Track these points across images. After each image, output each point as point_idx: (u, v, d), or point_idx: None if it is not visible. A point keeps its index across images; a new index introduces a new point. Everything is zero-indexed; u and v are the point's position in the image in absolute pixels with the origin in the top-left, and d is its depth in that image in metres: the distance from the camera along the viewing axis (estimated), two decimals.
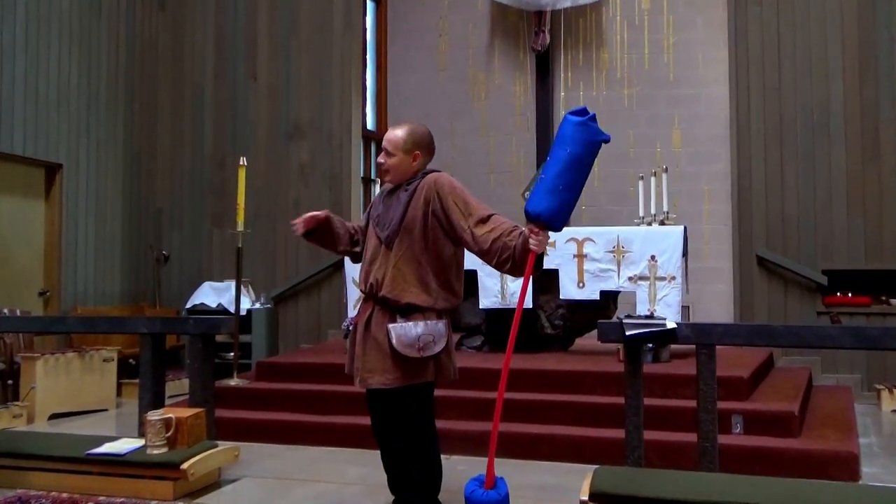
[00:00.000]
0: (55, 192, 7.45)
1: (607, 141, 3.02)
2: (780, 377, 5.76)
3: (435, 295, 3.19)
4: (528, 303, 5.68)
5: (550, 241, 5.69)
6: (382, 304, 3.21)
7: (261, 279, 8.16)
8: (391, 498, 3.42)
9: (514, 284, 5.65)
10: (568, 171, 2.96)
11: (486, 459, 3.11)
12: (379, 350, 3.17)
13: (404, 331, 3.12)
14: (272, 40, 8.40)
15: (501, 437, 4.08)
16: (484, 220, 3.09)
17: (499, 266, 3.07)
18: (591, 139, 2.98)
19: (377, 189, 6.90)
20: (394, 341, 3.11)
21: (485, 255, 3.09)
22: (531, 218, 2.99)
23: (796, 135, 7.04)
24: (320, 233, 3.42)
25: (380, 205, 3.37)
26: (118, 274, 8.18)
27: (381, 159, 3.35)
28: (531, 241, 2.95)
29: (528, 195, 3.08)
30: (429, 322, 3.16)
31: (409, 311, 3.16)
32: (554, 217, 2.97)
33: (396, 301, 3.16)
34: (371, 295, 3.26)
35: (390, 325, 3.14)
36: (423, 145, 3.33)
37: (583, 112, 3.01)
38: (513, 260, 3.01)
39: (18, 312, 6.40)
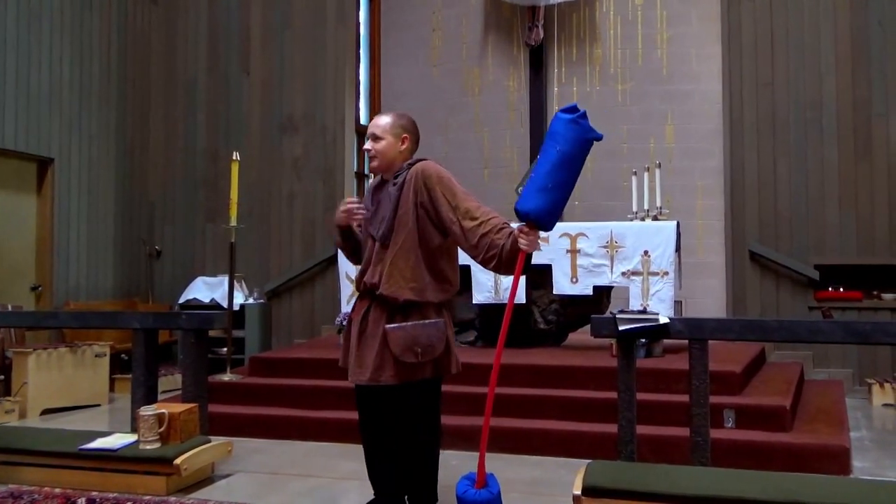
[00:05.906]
0: (47, 186, 7.42)
1: (599, 139, 2.96)
2: (772, 372, 5.79)
3: (431, 288, 3.13)
4: (522, 298, 5.68)
5: (543, 236, 5.77)
6: (380, 302, 3.15)
7: (254, 274, 8.15)
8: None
9: (508, 280, 5.64)
10: (558, 170, 2.90)
11: (477, 454, 3.10)
12: (375, 348, 3.12)
13: (403, 334, 3.05)
14: (265, 34, 8.38)
15: (494, 432, 4.09)
16: (473, 214, 3.03)
17: (485, 263, 3.01)
18: (581, 137, 2.92)
19: (370, 183, 6.88)
20: (391, 346, 3.06)
21: (472, 249, 3.03)
22: (521, 216, 2.93)
23: (789, 130, 7.07)
24: (351, 237, 3.37)
25: (370, 202, 3.32)
26: (110, 269, 8.15)
27: (368, 146, 3.27)
28: (521, 240, 2.89)
29: (521, 190, 3.01)
30: (427, 322, 3.10)
31: (407, 310, 3.11)
32: (544, 216, 2.91)
33: (395, 299, 3.10)
34: (368, 292, 3.21)
35: (388, 328, 3.08)
36: (410, 129, 3.28)
37: (573, 109, 2.95)
38: (499, 258, 2.95)
39: (10, 307, 6.37)
